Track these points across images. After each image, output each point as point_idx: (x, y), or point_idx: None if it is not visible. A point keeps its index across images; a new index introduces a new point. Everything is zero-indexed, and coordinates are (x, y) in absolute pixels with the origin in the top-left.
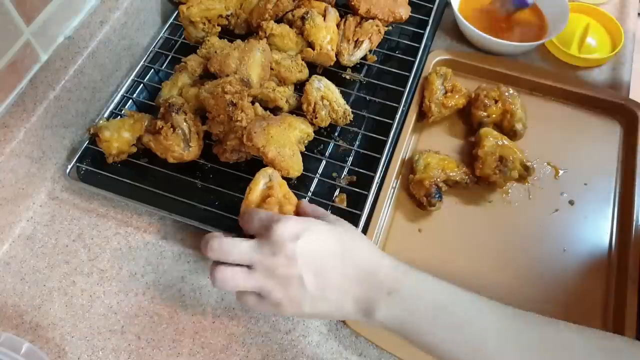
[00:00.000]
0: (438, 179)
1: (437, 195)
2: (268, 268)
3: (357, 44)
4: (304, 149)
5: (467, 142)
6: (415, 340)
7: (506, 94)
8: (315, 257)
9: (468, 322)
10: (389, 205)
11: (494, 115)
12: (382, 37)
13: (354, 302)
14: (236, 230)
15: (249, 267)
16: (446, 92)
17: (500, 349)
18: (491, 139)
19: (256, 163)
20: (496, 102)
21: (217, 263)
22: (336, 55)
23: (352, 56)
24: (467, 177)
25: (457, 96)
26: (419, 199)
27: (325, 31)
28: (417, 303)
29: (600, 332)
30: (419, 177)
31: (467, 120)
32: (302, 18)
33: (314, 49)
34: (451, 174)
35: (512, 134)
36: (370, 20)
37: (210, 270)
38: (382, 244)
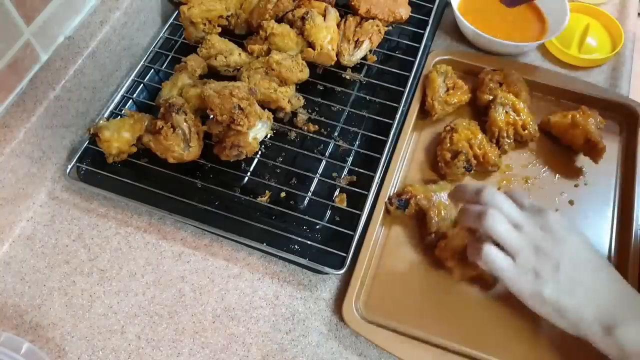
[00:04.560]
0: (417, 197)
1: (400, 204)
2: (534, 235)
3: (357, 44)
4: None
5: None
6: None
7: (510, 77)
8: (578, 254)
9: None
10: None
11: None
12: (382, 37)
13: (596, 309)
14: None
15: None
16: (448, 90)
17: None
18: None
19: (258, 162)
20: (500, 84)
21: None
22: (336, 55)
23: (353, 56)
24: (436, 220)
25: (459, 93)
26: (389, 198)
27: (326, 31)
28: None
29: None
30: (405, 184)
31: (474, 110)
32: (302, 18)
33: (314, 49)
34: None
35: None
36: (371, 20)
37: (472, 214)
38: (382, 244)
